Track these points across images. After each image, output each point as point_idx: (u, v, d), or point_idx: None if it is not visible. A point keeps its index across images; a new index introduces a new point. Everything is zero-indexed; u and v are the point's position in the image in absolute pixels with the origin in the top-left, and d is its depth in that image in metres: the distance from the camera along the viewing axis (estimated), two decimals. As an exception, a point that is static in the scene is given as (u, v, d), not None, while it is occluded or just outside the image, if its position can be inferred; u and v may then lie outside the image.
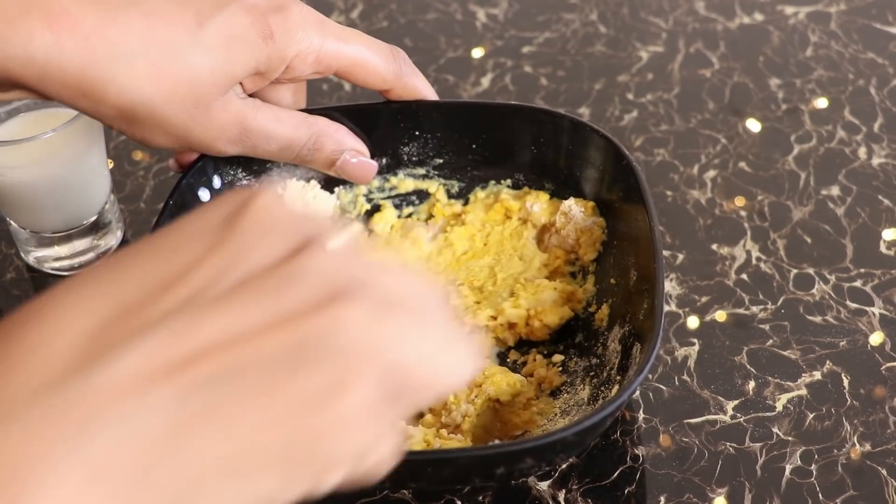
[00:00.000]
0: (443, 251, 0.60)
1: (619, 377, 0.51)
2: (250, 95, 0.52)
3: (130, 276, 0.30)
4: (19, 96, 0.49)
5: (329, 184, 0.61)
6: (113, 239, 0.65)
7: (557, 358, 0.56)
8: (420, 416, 0.53)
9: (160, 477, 0.28)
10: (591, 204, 0.58)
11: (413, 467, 0.46)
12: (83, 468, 0.27)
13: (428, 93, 0.57)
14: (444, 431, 0.52)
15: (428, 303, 0.32)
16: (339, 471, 0.30)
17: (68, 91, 0.47)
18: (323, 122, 0.55)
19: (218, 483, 0.28)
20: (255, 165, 0.59)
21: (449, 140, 0.60)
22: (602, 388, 0.52)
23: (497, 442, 0.52)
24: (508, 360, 0.57)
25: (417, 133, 0.60)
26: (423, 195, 0.62)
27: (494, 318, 0.57)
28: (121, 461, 0.27)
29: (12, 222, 0.63)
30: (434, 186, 0.62)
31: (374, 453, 0.30)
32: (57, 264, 0.64)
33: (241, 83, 0.51)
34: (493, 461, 0.46)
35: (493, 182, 0.61)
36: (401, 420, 0.31)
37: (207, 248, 0.30)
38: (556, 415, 0.53)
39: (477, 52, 0.78)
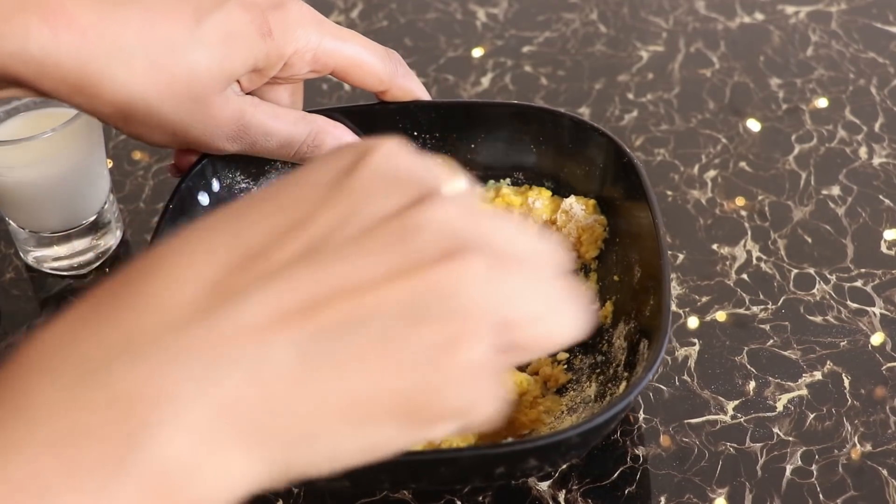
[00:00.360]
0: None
1: (626, 374, 0.51)
2: (248, 94, 0.52)
3: (253, 224, 0.30)
4: (15, 94, 0.48)
5: None
6: (112, 239, 0.65)
7: (562, 355, 0.56)
8: None
9: (282, 421, 0.28)
10: (591, 202, 0.58)
11: (414, 467, 0.46)
12: (210, 407, 0.27)
13: (422, 95, 0.57)
14: None
15: (541, 259, 0.32)
16: (449, 423, 0.31)
17: (65, 87, 0.47)
18: (322, 120, 0.55)
19: (338, 429, 0.29)
20: (253, 168, 0.59)
21: (447, 140, 0.60)
22: (609, 385, 0.52)
23: (508, 440, 0.51)
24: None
25: (416, 133, 0.60)
26: None
27: None
28: (247, 403, 0.28)
29: (11, 222, 0.63)
30: None
31: (481, 407, 0.31)
32: (56, 264, 0.64)
33: (238, 81, 0.51)
34: (495, 461, 0.46)
35: (492, 181, 0.61)
36: (504, 375, 0.31)
37: (327, 197, 0.31)
38: (562, 412, 0.53)
39: (477, 52, 0.78)
